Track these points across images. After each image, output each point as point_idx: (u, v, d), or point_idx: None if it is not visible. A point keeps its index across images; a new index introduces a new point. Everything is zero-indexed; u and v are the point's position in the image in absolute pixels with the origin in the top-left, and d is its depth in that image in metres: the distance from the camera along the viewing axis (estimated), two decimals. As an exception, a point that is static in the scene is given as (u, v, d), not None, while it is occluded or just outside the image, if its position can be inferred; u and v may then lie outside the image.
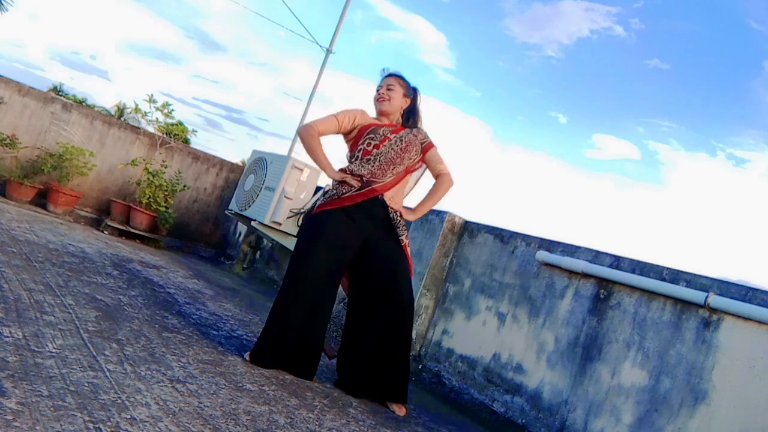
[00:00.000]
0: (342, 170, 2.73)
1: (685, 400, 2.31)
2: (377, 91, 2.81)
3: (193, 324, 2.86)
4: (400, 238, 2.68)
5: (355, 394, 2.60)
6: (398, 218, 2.70)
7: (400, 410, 2.57)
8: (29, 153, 5.53)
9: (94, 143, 5.91)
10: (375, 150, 2.70)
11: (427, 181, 2.93)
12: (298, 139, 7.18)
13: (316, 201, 5.04)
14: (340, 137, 2.84)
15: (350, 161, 2.76)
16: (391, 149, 2.71)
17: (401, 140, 2.74)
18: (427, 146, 2.80)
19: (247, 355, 2.54)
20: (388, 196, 2.69)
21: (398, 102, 2.79)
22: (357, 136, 2.75)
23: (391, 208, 2.69)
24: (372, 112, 2.84)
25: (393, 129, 2.76)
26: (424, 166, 2.86)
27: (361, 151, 2.71)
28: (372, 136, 2.73)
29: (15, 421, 1.32)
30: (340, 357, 2.68)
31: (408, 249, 2.72)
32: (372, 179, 2.67)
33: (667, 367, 2.41)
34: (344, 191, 2.65)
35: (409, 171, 2.77)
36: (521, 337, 3.04)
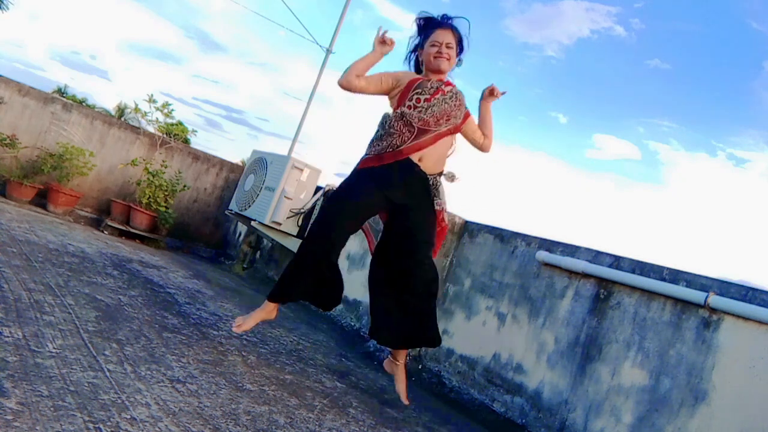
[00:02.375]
0: (396, 116, 2.53)
1: (685, 400, 2.31)
2: (434, 45, 2.56)
3: (193, 324, 2.86)
4: (434, 208, 2.55)
5: (386, 344, 2.65)
6: (436, 188, 2.57)
7: (404, 387, 2.62)
8: (29, 153, 5.53)
9: (94, 143, 5.91)
10: (426, 103, 2.53)
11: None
12: (298, 139, 7.18)
13: (316, 201, 5.06)
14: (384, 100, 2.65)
15: (382, 124, 2.59)
16: (445, 102, 2.55)
17: (455, 95, 2.58)
18: (468, 114, 2.68)
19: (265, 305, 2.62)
20: (428, 155, 2.53)
21: (454, 62, 2.62)
22: (403, 93, 2.56)
23: (431, 174, 2.56)
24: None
25: (445, 82, 2.60)
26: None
27: (412, 101, 2.53)
28: (419, 90, 2.55)
29: (15, 421, 1.32)
30: (372, 313, 2.66)
31: (444, 215, 2.59)
32: (425, 128, 2.50)
33: (667, 367, 2.41)
34: (393, 143, 2.50)
35: (457, 130, 2.61)
36: (521, 337, 3.04)
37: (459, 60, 2.68)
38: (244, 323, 2.61)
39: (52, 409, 1.45)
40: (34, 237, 3.81)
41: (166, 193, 5.76)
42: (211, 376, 2.14)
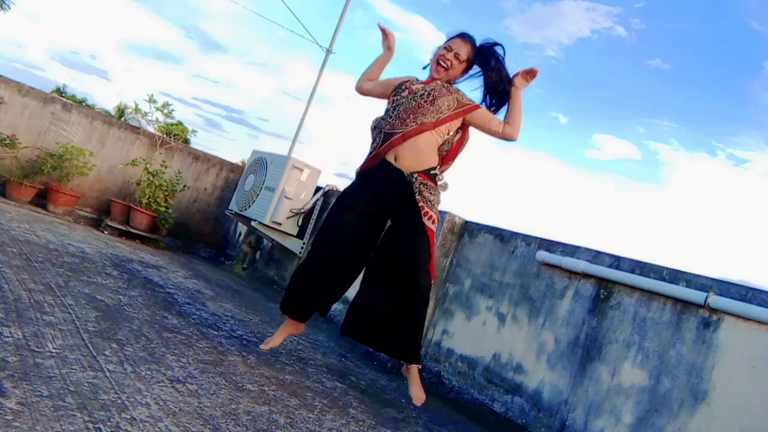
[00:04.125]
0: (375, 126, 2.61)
1: (685, 400, 2.31)
2: (444, 49, 2.58)
3: (193, 324, 2.86)
4: (419, 206, 2.45)
5: (359, 339, 2.57)
6: (420, 186, 2.48)
7: (417, 390, 2.55)
8: (29, 153, 5.53)
9: (94, 143, 5.91)
10: (393, 102, 2.56)
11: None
12: (298, 139, 7.18)
13: (316, 201, 5.06)
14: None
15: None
16: (413, 99, 2.51)
17: (428, 92, 2.52)
18: (471, 107, 2.56)
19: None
20: (403, 153, 2.49)
21: (458, 72, 2.60)
22: (389, 96, 2.62)
23: (409, 172, 2.49)
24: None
25: (424, 81, 2.59)
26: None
27: (388, 103, 2.61)
28: (396, 92, 2.59)
29: (15, 421, 1.32)
30: (352, 306, 2.60)
31: (431, 218, 2.48)
32: (391, 131, 2.50)
33: (667, 367, 2.41)
34: (370, 151, 2.58)
35: (438, 125, 2.50)
36: (521, 337, 3.04)
37: (468, 76, 2.65)
38: (272, 340, 2.65)
39: (52, 409, 1.45)
40: (34, 237, 3.81)
41: (166, 193, 5.76)
42: (211, 376, 2.14)
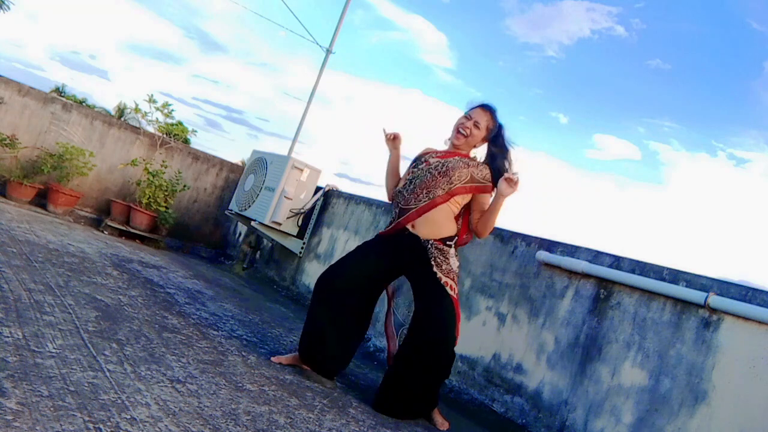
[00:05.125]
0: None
1: (685, 400, 2.31)
2: (464, 118, 2.67)
3: (193, 324, 2.86)
4: (436, 275, 2.49)
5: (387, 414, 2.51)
6: (434, 250, 2.52)
7: (439, 419, 2.60)
8: (29, 153, 5.53)
9: (94, 143, 5.91)
10: (411, 174, 2.66)
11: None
12: (299, 139, 7.19)
13: (316, 201, 5.06)
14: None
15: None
16: (428, 173, 2.59)
17: (444, 165, 2.59)
18: (483, 187, 2.60)
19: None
20: (420, 224, 2.55)
21: (477, 140, 2.67)
22: (410, 166, 2.75)
23: (426, 238, 2.54)
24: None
25: (442, 154, 2.66)
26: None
27: (404, 177, 2.70)
28: (416, 163, 2.70)
29: (15, 421, 1.32)
30: (386, 383, 2.56)
31: (451, 286, 2.50)
32: (406, 207, 2.61)
33: (667, 367, 2.41)
34: (388, 222, 2.71)
35: (448, 197, 2.55)
36: (521, 338, 3.04)
37: (489, 146, 2.69)
38: (282, 358, 2.73)
39: (52, 409, 1.45)
40: (34, 237, 3.81)
41: (166, 193, 5.76)
42: (211, 376, 2.14)
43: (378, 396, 2.54)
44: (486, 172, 2.61)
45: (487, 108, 2.68)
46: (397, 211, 2.66)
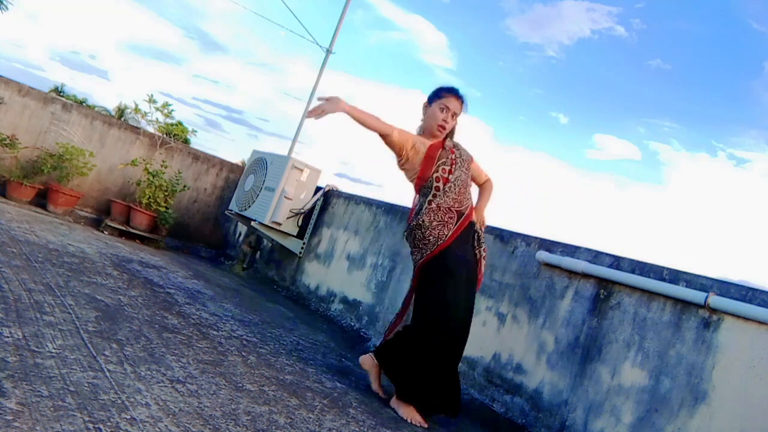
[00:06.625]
0: (429, 209, 2.69)
1: (685, 400, 2.31)
2: (443, 110, 2.73)
3: (193, 324, 2.86)
4: (481, 249, 2.77)
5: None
6: (482, 232, 2.82)
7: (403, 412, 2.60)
8: (29, 153, 5.53)
9: (94, 143, 5.91)
10: (451, 176, 2.71)
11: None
12: (299, 139, 7.18)
13: (316, 201, 5.06)
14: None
15: (429, 191, 2.70)
16: (462, 172, 2.74)
17: (463, 160, 2.77)
18: (471, 159, 2.87)
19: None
20: (474, 217, 2.78)
21: (451, 127, 2.81)
22: (428, 162, 2.70)
23: (479, 225, 2.82)
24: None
25: (449, 148, 2.77)
26: None
27: (440, 180, 2.69)
28: (444, 160, 2.72)
29: (15, 421, 1.32)
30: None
31: (484, 261, 2.80)
32: (460, 208, 2.72)
33: (667, 367, 2.41)
34: (446, 232, 2.66)
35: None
36: (521, 338, 3.04)
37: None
38: (375, 387, 2.78)
39: (52, 409, 1.45)
40: (34, 237, 3.81)
41: (166, 194, 5.76)
42: (211, 376, 2.14)
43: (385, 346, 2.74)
44: (466, 149, 2.87)
45: (460, 96, 2.78)
46: (453, 213, 2.69)
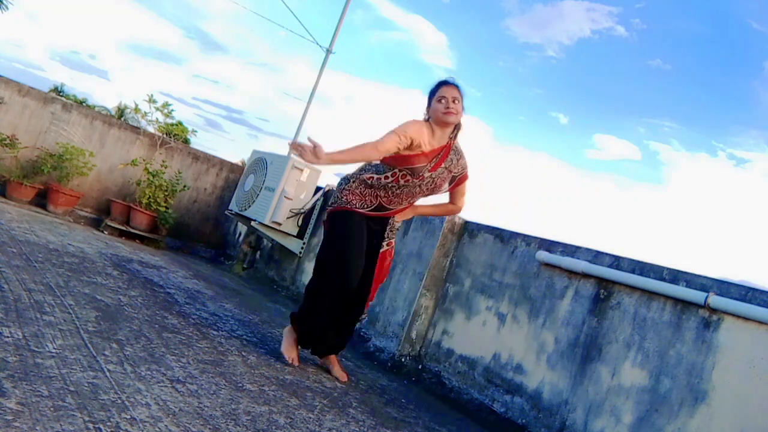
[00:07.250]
0: (361, 172, 2.76)
1: (685, 400, 2.31)
2: (441, 101, 2.64)
3: (193, 324, 2.86)
4: (390, 240, 2.85)
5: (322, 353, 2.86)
6: (396, 226, 2.90)
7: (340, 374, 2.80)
8: (29, 153, 5.53)
9: (94, 143, 5.91)
10: (403, 182, 2.68)
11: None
12: (298, 139, 7.18)
13: (316, 201, 5.06)
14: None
15: (386, 170, 2.68)
16: (418, 187, 2.71)
17: (433, 182, 2.71)
18: (463, 177, 2.80)
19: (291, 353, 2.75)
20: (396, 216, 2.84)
21: (462, 114, 2.69)
22: (415, 159, 2.63)
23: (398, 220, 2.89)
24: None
25: (432, 166, 2.67)
26: None
27: (394, 176, 2.67)
28: (410, 170, 2.65)
29: (15, 421, 1.32)
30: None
31: (392, 247, 2.90)
32: (386, 205, 2.75)
33: (667, 367, 2.41)
34: (358, 204, 2.72)
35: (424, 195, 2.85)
36: (521, 338, 3.04)
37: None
38: (292, 357, 2.79)
39: (52, 409, 1.45)
40: (34, 237, 3.81)
41: (166, 193, 5.76)
42: (211, 376, 2.14)
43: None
44: (465, 162, 2.79)
45: (451, 83, 2.70)
46: (375, 201, 2.74)
